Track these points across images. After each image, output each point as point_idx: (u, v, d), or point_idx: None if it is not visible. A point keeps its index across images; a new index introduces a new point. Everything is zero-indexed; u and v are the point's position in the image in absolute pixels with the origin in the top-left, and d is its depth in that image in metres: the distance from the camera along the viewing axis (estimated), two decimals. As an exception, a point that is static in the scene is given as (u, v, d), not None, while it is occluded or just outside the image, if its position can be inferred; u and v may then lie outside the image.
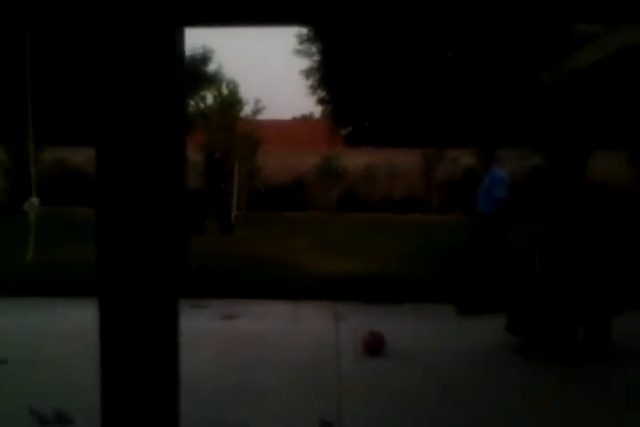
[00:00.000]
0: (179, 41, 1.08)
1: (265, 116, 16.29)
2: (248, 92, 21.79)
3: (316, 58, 20.09)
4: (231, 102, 15.18)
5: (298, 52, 20.04)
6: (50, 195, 14.61)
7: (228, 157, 14.20)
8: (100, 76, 1.03)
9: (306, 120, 25.52)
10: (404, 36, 16.26)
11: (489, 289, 6.12)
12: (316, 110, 29.51)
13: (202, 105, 15.98)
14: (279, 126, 19.23)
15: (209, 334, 5.41)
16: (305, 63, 21.02)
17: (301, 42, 19.83)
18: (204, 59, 22.56)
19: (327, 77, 19.68)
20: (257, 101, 15.77)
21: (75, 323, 5.72)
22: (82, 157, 15.10)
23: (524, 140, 12.02)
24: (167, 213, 1.03)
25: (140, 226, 1.02)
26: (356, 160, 15.16)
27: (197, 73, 20.58)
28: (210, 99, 15.75)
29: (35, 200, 7.49)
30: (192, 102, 17.25)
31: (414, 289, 6.67)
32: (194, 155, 11.54)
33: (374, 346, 4.89)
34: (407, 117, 17.20)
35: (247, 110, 15.46)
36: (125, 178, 1.03)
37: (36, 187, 7.67)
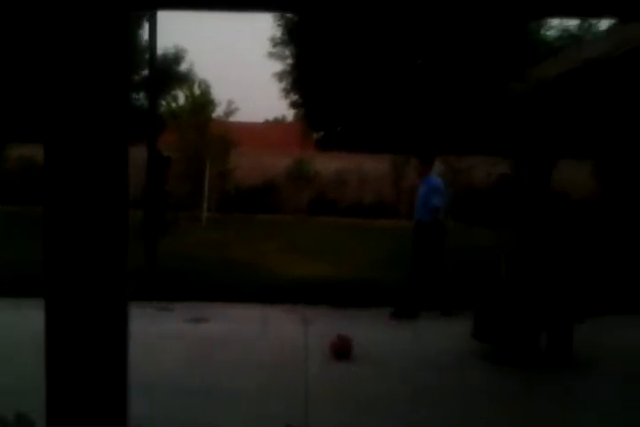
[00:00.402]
0: (124, 29, 1.07)
1: (237, 117, 16.26)
2: (221, 94, 21.74)
3: (289, 61, 20.12)
4: (203, 103, 15.11)
5: (271, 55, 20.04)
6: (14, 193, 14.34)
7: (200, 157, 14.11)
8: (47, 68, 1.03)
9: (278, 123, 25.51)
10: (375, 43, 16.40)
11: (426, 294, 6.26)
12: (289, 114, 29.57)
13: (173, 105, 15.87)
14: (251, 128, 19.20)
15: (177, 336, 5.38)
16: (278, 66, 21.04)
17: (275, 45, 19.84)
18: (177, 58, 22.40)
19: (300, 81, 19.72)
20: (229, 103, 15.73)
21: (34, 323, 5.62)
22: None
23: (494, 147, 12.25)
24: (114, 213, 1.03)
25: (86, 225, 1.02)
26: (327, 164, 15.24)
27: (169, 72, 20.41)
28: (182, 99, 15.64)
29: None
30: (164, 102, 17.12)
31: (382, 294, 6.72)
32: (169, 155, 11.43)
33: (342, 350, 4.91)
34: (378, 123, 17.34)
35: (219, 111, 15.41)
36: (72, 175, 1.03)
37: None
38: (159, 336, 5.35)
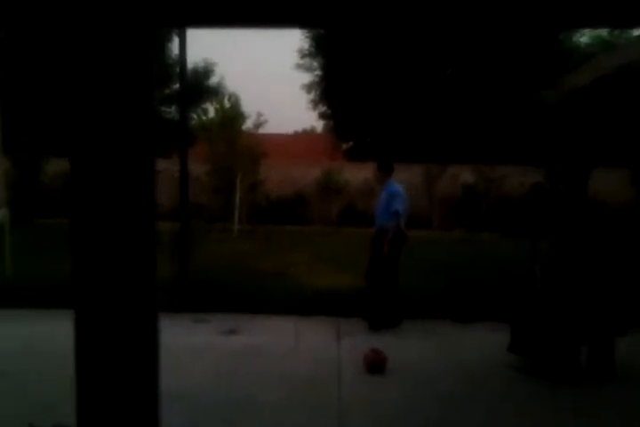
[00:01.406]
0: (150, 46, 1.08)
1: (267, 129, 16.37)
2: (250, 106, 21.92)
3: (317, 73, 20.21)
4: (233, 116, 15.27)
5: (299, 67, 20.15)
6: (54, 206, 14.63)
7: (230, 169, 14.25)
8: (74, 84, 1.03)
9: (307, 134, 25.61)
10: (404, 52, 16.38)
11: (390, 304, 6.15)
12: (318, 125, 29.67)
13: (204, 118, 16.06)
14: (281, 140, 19.31)
15: (210, 348, 5.40)
16: (306, 78, 21.14)
17: (302, 56, 19.95)
18: (206, 72, 22.69)
19: (328, 92, 19.76)
20: (259, 115, 15.85)
21: (63, 335, 5.70)
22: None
23: (526, 157, 12.07)
24: (142, 224, 1.02)
25: (114, 237, 1.01)
26: (356, 175, 15.21)
27: (199, 86, 20.67)
28: (212, 112, 15.84)
29: (3, 211, 7.58)
30: (194, 115, 17.34)
31: (415, 305, 6.65)
32: (197, 168, 11.56)
33: (375, 363, 4.86)
34: (408, 133, 17.27)
35: (249, 124, 15.54)
36: (99, 189, 1.02)
37: (6, 198, 7.79)
38: (192, 348, 5.38)
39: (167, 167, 13.66)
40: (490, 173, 13.47)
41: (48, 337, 5.61)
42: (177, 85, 19.65)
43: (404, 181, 14.84)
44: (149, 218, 1.04)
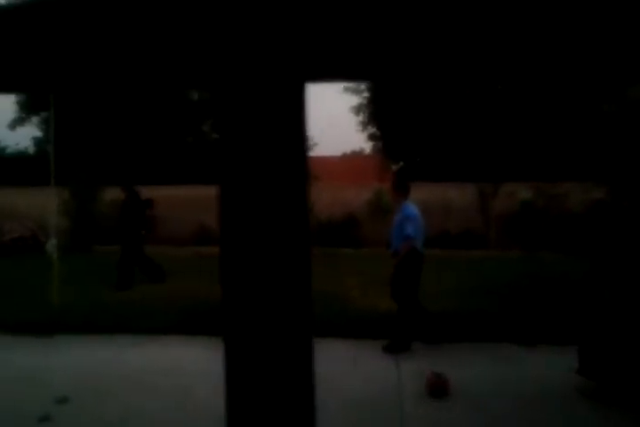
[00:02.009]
0: (304, 95, 1.08)
1: (316, 152, 16.47)
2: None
3: (365, 94, 20.29)
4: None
5: (347, 89, 20.29)
6: (110, 234, 15.04)
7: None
8: (228, 128, 1.03)
9: (356, 156, 25.65)
10: (453, 70, 16.25)
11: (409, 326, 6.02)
12: (367, 146, 29.71)
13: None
14: (330, 162, 19.37)
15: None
16: (355, 100, 21.26)
17: (350, 80, 20.10)
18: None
19: (377, 113, 19.79)
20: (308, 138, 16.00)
21: (129, 360, 5.76)
22: (142, 196, 15.56)
23: (588, 173, 11.66)
24: (297, 250, 1.00)
25: (267, 262, 0.98)
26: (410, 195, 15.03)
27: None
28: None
29: (54, 242, 7.92)
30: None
31: (476, 328, 6.44)
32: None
33: (438, 388, 4.70)
34: (460, 152, 17.05)
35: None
36: (249, 224, 1.01)
37: (55, 229, 8.12)
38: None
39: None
40: (550, 189, 13.07)
41: (108, 362, 5.69)
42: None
43: (455, 200, 14.61)
44: (304, 244, 1.02)
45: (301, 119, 1.04)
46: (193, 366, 5.55)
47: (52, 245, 7.98)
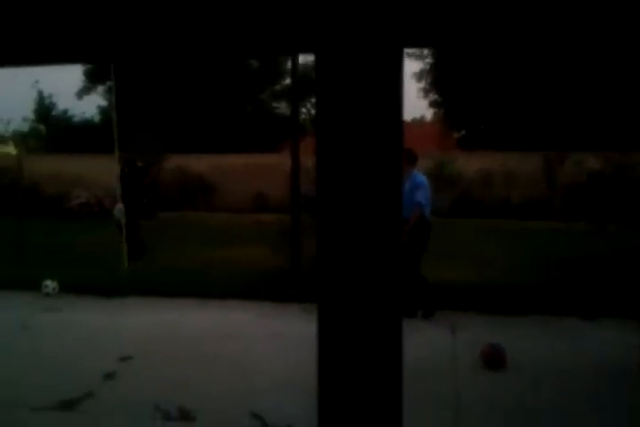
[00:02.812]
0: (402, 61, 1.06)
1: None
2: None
3: (428, 60, 19.78)
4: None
5: (409, 55, 19.80)
6: (172, 201, 15.45)
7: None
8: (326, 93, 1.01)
9: (418, 124, 25.18)
10: (516, 36, 15.56)
11: (413, 293, 6.08)
12: (428, 113, 29.06)
13: (313, 111, 16.21)
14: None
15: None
16: (417, 66, 20.75)
17: (413, 45, 19.59)
18: (316, 66, 22.88)
19: (439, 80, 19.29)
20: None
21: (193, 323, 5.95)
22: (201, 164, 15.84)
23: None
24: (387, 221, 0.99)
25: (360, 232, 0.98)
26: (470, 164, 14.70)
27: (309, 81, 20.90)
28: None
29: (121, 207, 8.14)
30: (304, 109, 17.60)
31: (534, 300, 6.29)
32: (307, 161, 11.69)
33: (495, 359, 4.63)
34: (524, 120, 16.44)
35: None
36: (345, 187, 1.00)
37: (121, 194, 8.31)
38: (307, 339, 5.42)
39: (279, 161, 13.96)
40: (620, 159, 12.45)
41: (173, 324, 5.89)
42: (287, 81, 20.09)
43: (519, 169, 14.13)
44: (394, 213, 1.02)
45: (399, 85, 1.01)
46: (251, 329, 5.68)
47: (118, 210, 8.25)
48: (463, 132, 20.16)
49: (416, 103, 22.78)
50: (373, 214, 0.92)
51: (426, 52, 19.46)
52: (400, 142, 1.02)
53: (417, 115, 27.25)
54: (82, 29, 0.98)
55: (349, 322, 0.95)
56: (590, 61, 14.98)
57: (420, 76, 20.09)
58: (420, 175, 6.37)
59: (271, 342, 5.35)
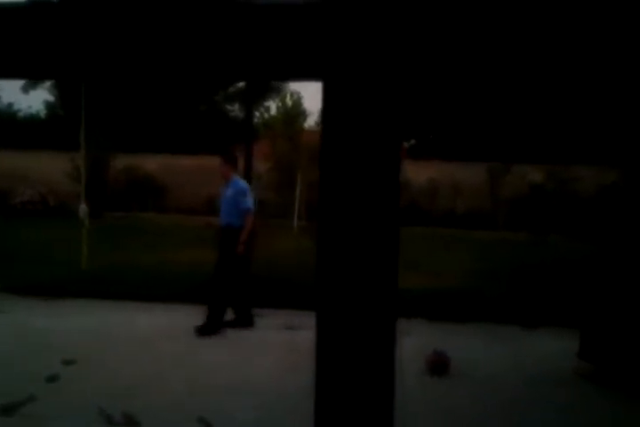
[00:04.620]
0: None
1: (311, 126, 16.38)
2: (312, 104, 22.00)
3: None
4: (295, 113, 15.33)
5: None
6: (120, 200, 15.16)
7: (291, 167, 14.36)
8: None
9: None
10: (467, 46, 15.99)
11: (238, 304, 5.92)
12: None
13: (266, 116, 16.22)
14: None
15: (268, 344, 5.44)
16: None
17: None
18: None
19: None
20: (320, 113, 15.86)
21: (138, 326, 5.87)
22: (152, 164, 15.61)
23: (601, 157, 11.55)
24: (385, 228, 1.02)
25: (359, 239, 1.01)
26: (419, 173, 15.01)
27: (263, 84, 20.88)
28: (274, 110, 15.97)
29: (84, 206, 8.04)
30: (257, 113, 17.54)
31: (479, 308, 6.49)
32: (259, 165, 11.69)
33: (438, 365, 4.77)
34: (472, 130, 16.91)
35: (311, 122, 15.58)
36: (346, 192, 1.03)
37: (84, 193, 8.22)
38: (252, 342, 5.45)
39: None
40: (562, 172, 12.97)
41: (118, 326, 5.80)
42: (241, 84, 20.01)
43: (464, 179, 14.52)
44: (393, 223, 1.06)
45: (396, 108, 1.08)
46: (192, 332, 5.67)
47: (82, 210, 8.07)
48: (413, 141, 20.54)
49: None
50: (371, 227, 0.97)
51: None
52: (398, 160, 1.07)
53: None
54: (55, 47, 1.00)
55: (347, 329, 1.00)
56: (535, 74, 15.50)
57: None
58: (241, 181, 6.05)
59: (217, 346, 5.35)
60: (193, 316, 6.22)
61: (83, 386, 4.32)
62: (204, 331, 5.65)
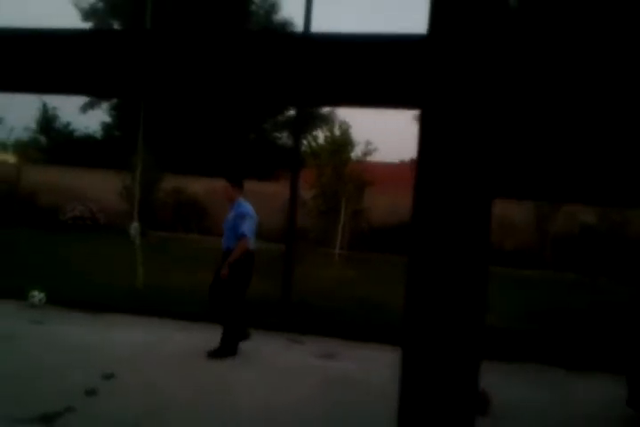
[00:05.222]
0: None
1: (375, 158, 16.43)
2: (360, 134, 22.19)
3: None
4: (342, 143, 15.44)
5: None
6: (165, 221, 15.45)
7: (336, 195, 14.42)
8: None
9: (414, 163, 25.46)
10: (521, 81, 15.91)
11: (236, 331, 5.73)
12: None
13: (314, 144, 16.39)
14: (388, 169, 19.31)
15: (306, 371, 5.37)
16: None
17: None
18: (320, 100, 23.23)
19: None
20: (367, 143, 15.94)
21: (178, 343, 5.90)
22: (197, 186, 15.90)
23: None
24: (476, 265, 1.02)
25: (450, 276, 1.01)
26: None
27: (312, 114, 21.21)
28: (322, 139, 16.12)
29: (136, 225, 8.13)
30: (305, 141, 17.75)
31: (524, 348, 6.30)
32: (304, 192, 11.78)
33: (481, 404, 4.61)
34: (520, 168, 16.69)
35: (358, 151, 15.67)
36: (438, 227, 1.03)
37: (138, 212, 8.33)
38: (289, 369, 5.39)
39: (275, 190, 14.04)
40: (615, 214, 12.65)
41: (159, 343, 5.84)
42: (291, 112, 20.37)
43: (512, 217, 14.30)
44: (483, 262, 1.06)
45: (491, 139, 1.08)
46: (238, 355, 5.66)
47: (134, 228, 8.17)
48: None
49: (414, 144, 23.09)
50: (462, 266, 0.95)
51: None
52: (491, 196, 1.06)
53: (414, 155, 27.57)
54: (114, 66, 1.03)
55: (431, 368, 0.98)
56: (593, 116, 15.31)
57: (418, 117, 20.46)
58: (245, 204, 5.87)
59: (248, 369, 5.33)
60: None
61: (119, 401, 4.35)
62: (217, 354, 5.62)
